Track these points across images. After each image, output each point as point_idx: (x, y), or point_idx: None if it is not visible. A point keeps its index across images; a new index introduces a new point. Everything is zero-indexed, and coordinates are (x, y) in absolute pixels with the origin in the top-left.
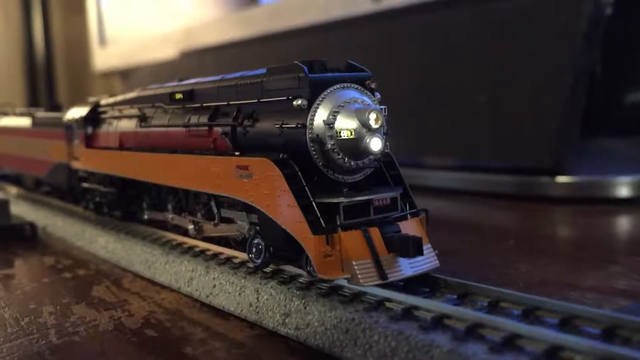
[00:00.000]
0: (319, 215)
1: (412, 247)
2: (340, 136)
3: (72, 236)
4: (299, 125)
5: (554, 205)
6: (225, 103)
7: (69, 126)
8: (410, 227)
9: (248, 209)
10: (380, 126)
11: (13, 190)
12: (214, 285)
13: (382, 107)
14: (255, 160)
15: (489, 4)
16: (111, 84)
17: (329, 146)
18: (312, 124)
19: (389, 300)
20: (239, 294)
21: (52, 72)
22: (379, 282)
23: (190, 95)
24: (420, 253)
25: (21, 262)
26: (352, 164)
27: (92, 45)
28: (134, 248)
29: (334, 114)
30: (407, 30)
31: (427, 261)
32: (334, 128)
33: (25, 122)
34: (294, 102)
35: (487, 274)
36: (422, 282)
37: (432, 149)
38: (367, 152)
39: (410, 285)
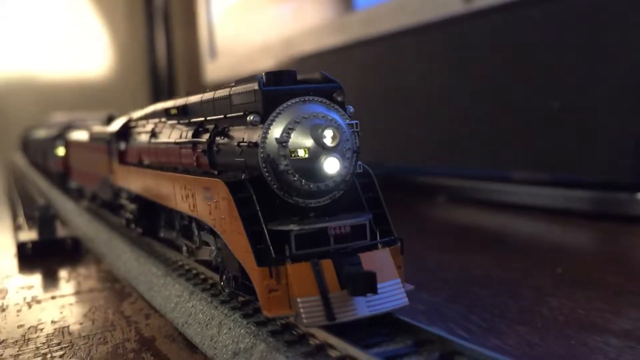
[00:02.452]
0: (269, 244)
1: (361, 284)
2: (294, 156)
3: (108, 251)
4: (250, 144)
5: (634, 225)
6: (204, 119)
7: (109, 141)
8: (374, 259)
9: (214, 233)
10: (337, 145)
11: (85, 202)
12: (190, 314)
13: (353, 122)
14: (211, 182)
15: (568, 2)
16: None
17: (282, 167)
18: (264, 142)
19: (331, 346)
20: (207, 325)
21: (173, 82)
22: (325, 322)
23: (184, 110)
24: (372, 291)
25: (45, 274)
26: (312, 186)
27: (204, 58)
28: (144, 267)
29: (288, 131)
30: (481, 32)
31: (391, 299)
32: (287, 147)
33: (85, 136)
34: (247, 118)
35: (508, 308)
36: (387, 323)
37: (497, 159)
38: (321, 174)
39: (372, 325)
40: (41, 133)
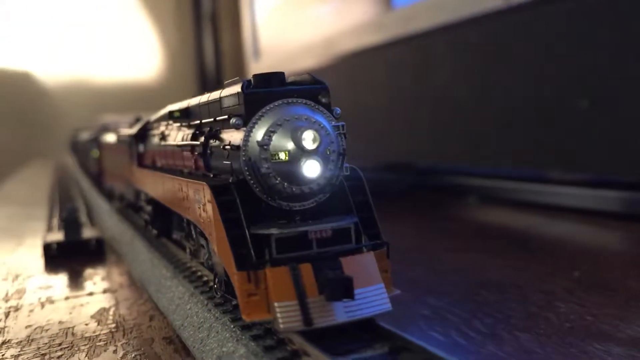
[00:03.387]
0: (250, 248)
1: (337, 289)
2: (276, 159)
3: (128, 252)
4: (233, 147)
5: None
6: (200, 121)
7: (130, 143)
8: (356, 264)
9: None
10: (317, 147)
11: (116, 203)
12: (187, 316)
13: (339, 124)
14: (198, 185)
15: None
16: None
17: (264, 170)
18: (246, 145)
19: (306, 353)
20: (199, 327)
21: (221, 84)
22: (302, 328)
23: (186, 113)
24: (349, 296)
25: (65, 275)
26: (295, 189)
27: (248, 58)
28: (155, 269)
29: (269, 133)
30: (513, 28)
31: (372, 304)
32: (268, 150)
33: (114, 138)
34: (230, 121)
35: (513, 314)
36: (367, 328)
37: (529, 158)
38: (301, 177)
39: (352, 330)
40: (85, 135)
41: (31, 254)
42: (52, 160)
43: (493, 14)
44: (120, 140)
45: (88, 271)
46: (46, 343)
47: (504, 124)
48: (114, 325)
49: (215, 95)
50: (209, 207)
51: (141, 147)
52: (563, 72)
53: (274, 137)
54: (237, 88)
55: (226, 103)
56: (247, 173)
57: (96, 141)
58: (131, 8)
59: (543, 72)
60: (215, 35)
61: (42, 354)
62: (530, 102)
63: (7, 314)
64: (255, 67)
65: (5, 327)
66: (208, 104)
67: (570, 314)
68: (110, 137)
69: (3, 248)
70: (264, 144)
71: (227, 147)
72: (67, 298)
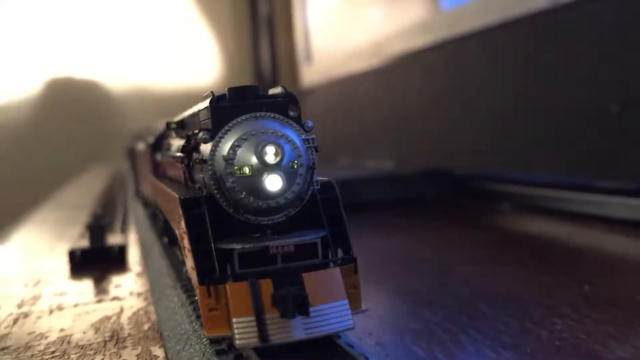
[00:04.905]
0: (215, 262)
1: (290, 306)
2: (240, 173)
3: (147, 260)
4: (201, 161)
5: None
6: (190, 133)
7: (150, 152)
8: (319, 279)
9: None
10: (279, 162)
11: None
12: (173, 327)
13: (309, 137)
14: (173, 197)
15: None
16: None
17: (229, 184)
18: (213, 159)
19: None
20: (179, 339)
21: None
22: (258, 344)
23: (181, 124)
24: (304, 313)
25: (82, 282)
26: (261, 203)
27: (300, 62)
28: (161, 277)
29: (235, 148)
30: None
31: (333, 321)
32: (233, 164)
33: (143, 145)
34: (198, 135)
35: (505, 330)
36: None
37: (564, 165)
38: (265, 192)
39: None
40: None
41: (60, 259)
42: (112, 165)
43: (536, 14)
44: (145, 148)
45: (107, 278)
46: (41, 350)
47: (540, 129)
48: (109, 334)
49: (196, 108)
50: (180, 220)
51: (158, 156)
52: (600, 75)
53: (239, 152)
54: (206, 102)
55: (201, 117)
56: (214, 187)
57: (132, 149)
58: (191, 14)
59: (587, 73)
60: (271, 39)
61: None
62: (573, 106)
63: (15, 320)
64: (307, 72)
65: (9, 333)
66: (193, 116)
67: (564, 331)
68: (140, 145)
69: (36, 253)
70: (229, 158)
71: (199, 160)
72: (76, 305)
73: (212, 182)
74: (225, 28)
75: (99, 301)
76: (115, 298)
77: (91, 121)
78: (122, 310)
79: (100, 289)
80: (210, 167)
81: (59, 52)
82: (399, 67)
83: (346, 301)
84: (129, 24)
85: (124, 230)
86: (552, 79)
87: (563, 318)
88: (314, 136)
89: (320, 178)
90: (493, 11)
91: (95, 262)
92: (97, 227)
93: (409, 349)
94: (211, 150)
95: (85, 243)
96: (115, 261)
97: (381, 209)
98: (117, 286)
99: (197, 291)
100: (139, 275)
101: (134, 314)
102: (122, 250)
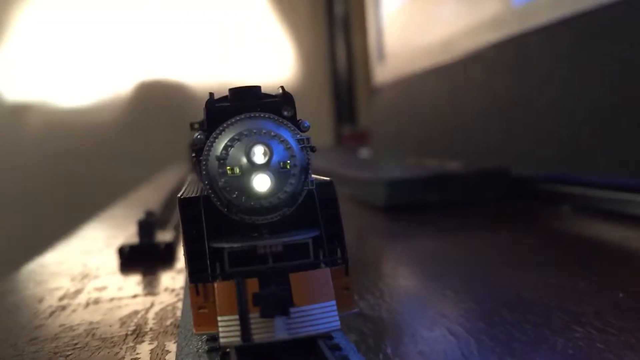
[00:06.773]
0: (207, 261)
1: (270, 305)
2: (231, 173)
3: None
4: (198, 160)
5: None
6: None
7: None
8: (306, 280)
9: None
10: (268, 162)
11: None
12: (184, 324)
13: (303, 137)
14: (178, 197)
15: None
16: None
17: (221, 184)
18: (207, 159)
19: None
20: (185, 336)
21: (352, 89)
22: (240, 343)
23: (202, 123)
24: (284, 313)
25: (124, 277)
26: (254, 203)
27: (373, 61)
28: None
29: (227, 148)
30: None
31: (317, 322)
32: (225, 164)
33: None
34: (195, 136)
35: (520, 338)
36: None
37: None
38: (254, 192)
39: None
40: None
41: (112, 255)
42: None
43: (607, 6)
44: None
45: (149, 275)
46: (65, 342)
47: (604, 127)
48: (133, 328)
49: None
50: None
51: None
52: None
53: (231, 152)
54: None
55: (204, 117)
56: (208, 187)
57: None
58: (269, 14)
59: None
60: (347, 39)
61: (55, 352)
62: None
63: (52, 313)
64: (380, 71)
65: (43, 325)
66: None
67: (581, 339)
68: None
69: (92, 249)
70: (221, 158)
71: (197, 160)
72: (111, 299)
73: (206, 182)
74: (302, 26)
75: (134, 296)
76: (149, 293)
77: (175, 121)
78: (152, 305)
79: (139, 285)
80: (204, 167)
81: (147, 55)
82: (463, 64)
83: (333, 302)
84: (211, 27)
85: (177, 227)
86: (617, 77)
87: (585, 326)
88: (309, 136)
89: (321, 178)
90: (567, 3)
91: (143, 258)
92: (147, 224)
93: (410, 356)
94: (205, 151)
95: (133, 240)
96: (162, 258)
97: (434, 209)
98: (155, 282)
99: (188, 289)
100: (179, 272)
101: (162, 309)
102: (169, 247)
